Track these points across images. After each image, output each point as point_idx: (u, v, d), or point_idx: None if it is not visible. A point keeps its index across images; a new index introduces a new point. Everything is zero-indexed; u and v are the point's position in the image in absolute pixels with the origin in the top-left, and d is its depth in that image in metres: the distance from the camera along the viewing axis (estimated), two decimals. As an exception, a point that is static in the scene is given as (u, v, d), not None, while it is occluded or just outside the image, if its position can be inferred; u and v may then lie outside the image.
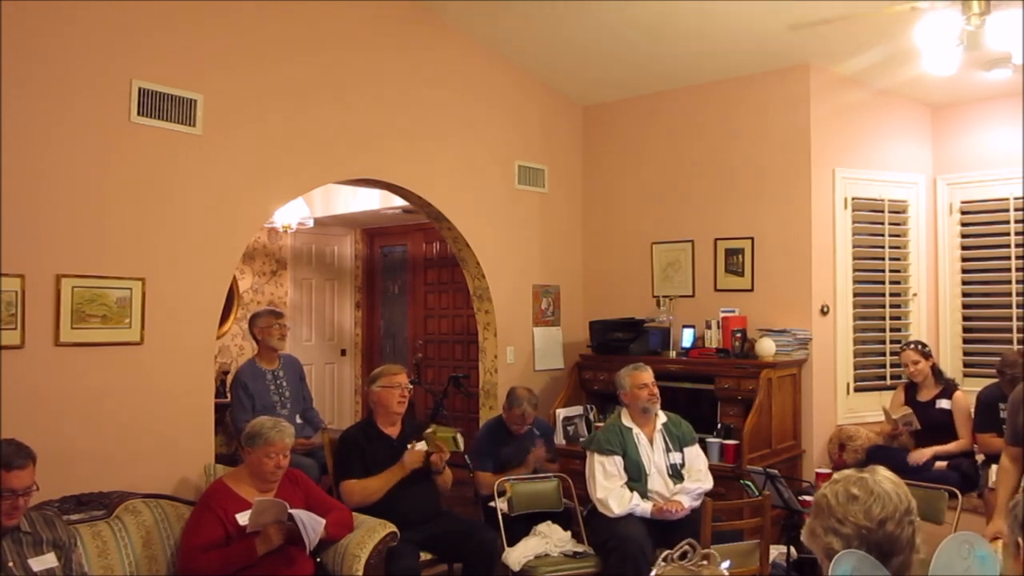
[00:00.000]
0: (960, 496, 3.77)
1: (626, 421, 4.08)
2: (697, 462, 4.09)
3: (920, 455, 4.53)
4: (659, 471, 3.97)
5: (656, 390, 4.08)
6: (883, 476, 1.68)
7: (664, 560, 2.91)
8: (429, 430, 3.97)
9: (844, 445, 5.03)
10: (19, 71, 3.37)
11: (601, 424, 4.78)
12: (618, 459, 3.95)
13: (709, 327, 5.28)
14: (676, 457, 4.03)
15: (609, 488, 3.88)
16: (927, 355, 4.77)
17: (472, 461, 4.45)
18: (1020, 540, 1.60)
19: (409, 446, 3.96)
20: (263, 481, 3.37)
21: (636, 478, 3.94)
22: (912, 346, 4.79)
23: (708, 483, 4.03)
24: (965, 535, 1.65)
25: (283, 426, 3.41)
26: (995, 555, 1.61)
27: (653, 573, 2.22)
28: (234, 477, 3.42)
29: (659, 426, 4.09)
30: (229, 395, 5.11)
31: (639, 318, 5.58)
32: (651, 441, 4.04)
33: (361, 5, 4.70)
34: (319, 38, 4.49)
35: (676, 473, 4.01)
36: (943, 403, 4.68)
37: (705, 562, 2.79)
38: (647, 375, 4.08)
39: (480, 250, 5.39)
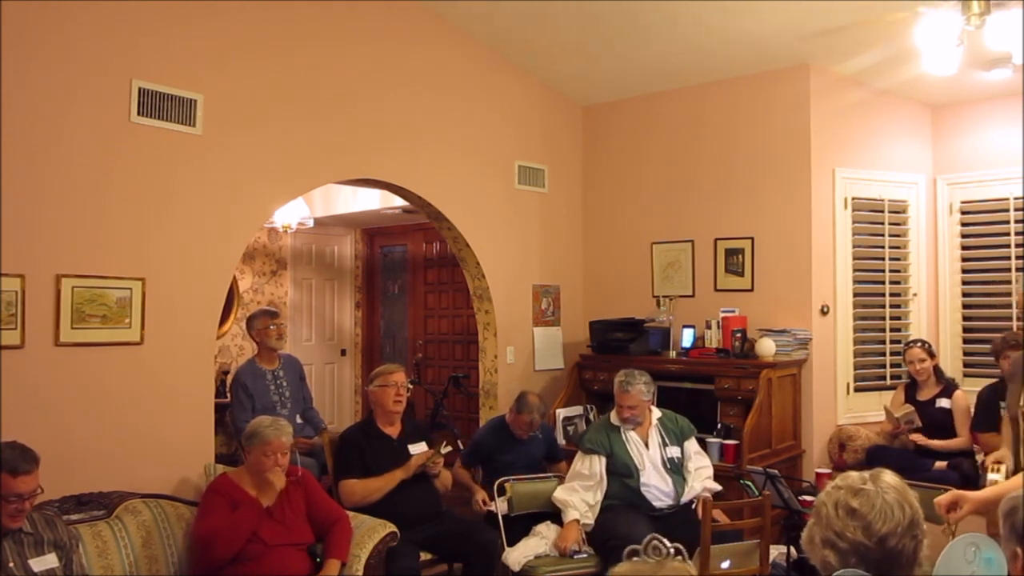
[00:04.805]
0: (960, 496, 3.77)
1: (615, 420, 4.11)
2: (700, 460, 4.13)
3: (919, 438, 4.59)
4: (654, 466, 4.00)
5: (637, 412, 4.05)
6: (887, 485, 1.59)
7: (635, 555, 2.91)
8: (429, 452, 3.96)
9: (844, 445, 5.03)
10: (19, 71, 3.37)
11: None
12: (597, 459, 4.00)
13: (709, 327, 5.28)
14: (674, 451, 4.05)
15: (571, 489, 3.98)
16: (932, 354, 4.78)
17: (464, 456, 4.49)
18: (1019, 550, 1.55)
19: (414, 449, 3.96)
20: (263, 480, 3.36)
21: (627, 475, 3.96)
22: (919, 344, 4.80)
23: (711, 486, 4.05)
24: (972, 536, 1.61)
25: (281, 424, 3.41)
26: (1002, 557, 1.58)
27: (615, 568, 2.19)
28: (237, 475, 3.43)
29: (654, 422, 4.12)
30: (229, 395, 5.11)
31: (639, 318, 5.57)
32: (645, 437, 4.05)
33: (361, 5, 4.70)
34: (319, 38, 4.49)
35: (675, 467, 4.03)
36: (943, 402, 4.69)
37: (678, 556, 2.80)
38: (629, 398, 4.02)
39: (480, 250, 5.38)
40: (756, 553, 3.47)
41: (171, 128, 3.84)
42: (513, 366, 5.57)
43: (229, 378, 5.62)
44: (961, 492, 2.15)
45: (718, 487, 4.08)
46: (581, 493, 3.97)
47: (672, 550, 3.45)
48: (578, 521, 3.90)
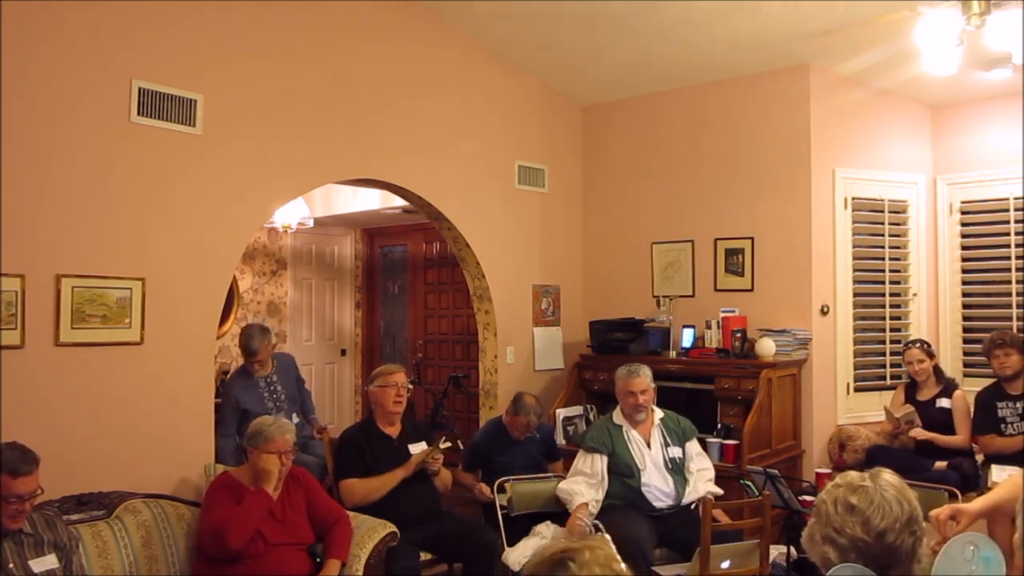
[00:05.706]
0: (960, 496, 3.76)
1: (617, 419, 4.11)
2: (701, 462, 4.12)
3: (920, 433, 4.55)
4: (655, 466, 3.98)
5: (647, 398, 4.06)
6: (886, 482, 1.61)
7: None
8: (428, 448, 3.97)
9: (844, 445, 5.03)
10: (19, 71, 3.37)
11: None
12: (600, 458, 3.99)
13: (709, 327, 5.28)
14: (675, 452, 4.05)
15: (574, 482, 3.95)
16: (931, 354, 4.77)
17: (464, 460, 4.50)
18: None
19: (414, 449, 3.96)
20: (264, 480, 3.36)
21: (628, 475, 3.96)
22: (917, 344, 4.79)
23: (714, 490, 4.04)
24: (970, 536, 1.61)
25: (283, 423, 3.42)
26: (1000, 556, 1.58)
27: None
28: (238, 473, 3.43)
29: (656, 422, 4.12)
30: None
31: (639, 318, 5.57)
32: (647, 437, 4.05)
33: (361, 5, 4.70)
34: (319, 38, 4.49)
35: (676, 468, 4.02)
36: (943, 402, 4.68)
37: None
38: (638, 382, 4.04)
39: (480, 250, 5.38)
40: (756, 553, 3.47)
41: (171, 128, 3.84)
42: (513, 366, 5.57)
43: (228, 379, 5.60)
44: (958, 505, 2.13)
45: (720, 491, 4.06)
46: (584, 486, 3.96)
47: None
48: (587, 504, 3.86)
